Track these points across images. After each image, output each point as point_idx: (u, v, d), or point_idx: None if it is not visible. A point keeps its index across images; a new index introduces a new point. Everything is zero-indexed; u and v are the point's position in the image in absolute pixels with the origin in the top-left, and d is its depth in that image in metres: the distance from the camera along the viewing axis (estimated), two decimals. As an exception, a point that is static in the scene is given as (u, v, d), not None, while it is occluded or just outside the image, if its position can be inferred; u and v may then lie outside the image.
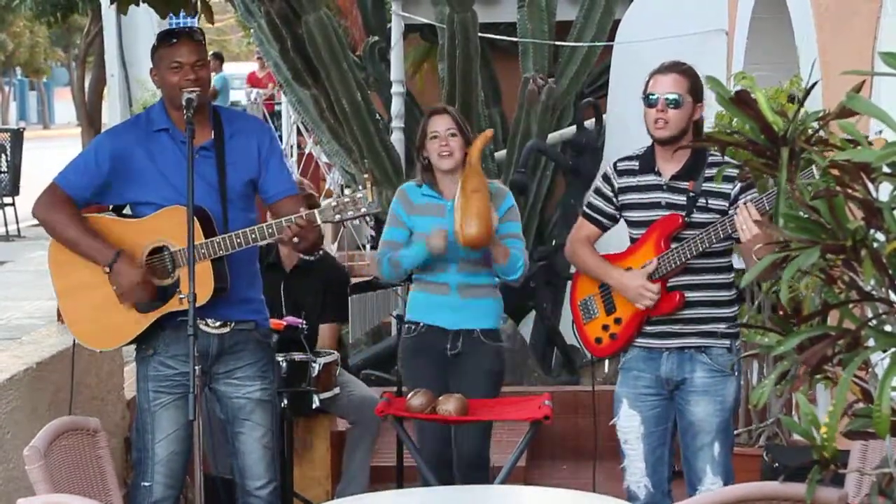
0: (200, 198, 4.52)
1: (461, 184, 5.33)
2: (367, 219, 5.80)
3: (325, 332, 6.45)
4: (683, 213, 4.64)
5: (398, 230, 5.50)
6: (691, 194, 4.63)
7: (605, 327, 4.82)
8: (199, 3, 5.61)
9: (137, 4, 5.57)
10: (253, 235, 4.56)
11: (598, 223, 4.86)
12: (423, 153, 5.51)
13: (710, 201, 4.62)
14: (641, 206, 4.73)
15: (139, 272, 4.62)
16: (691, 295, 4.67)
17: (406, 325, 5.60)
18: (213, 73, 19.35)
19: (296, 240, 4.53)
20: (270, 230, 4.55)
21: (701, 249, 4.59)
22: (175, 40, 4.69)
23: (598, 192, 4.85)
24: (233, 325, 4.75)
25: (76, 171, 4.78)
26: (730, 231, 4.53)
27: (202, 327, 4.58)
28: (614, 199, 4.79)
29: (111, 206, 4.83)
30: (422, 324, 5.52)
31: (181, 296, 4.52)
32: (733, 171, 4.50)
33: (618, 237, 4.98)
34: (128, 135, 4.80)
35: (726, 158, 4.55)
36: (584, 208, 4.92)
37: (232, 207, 4.70)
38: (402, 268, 5.49)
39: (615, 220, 4.85)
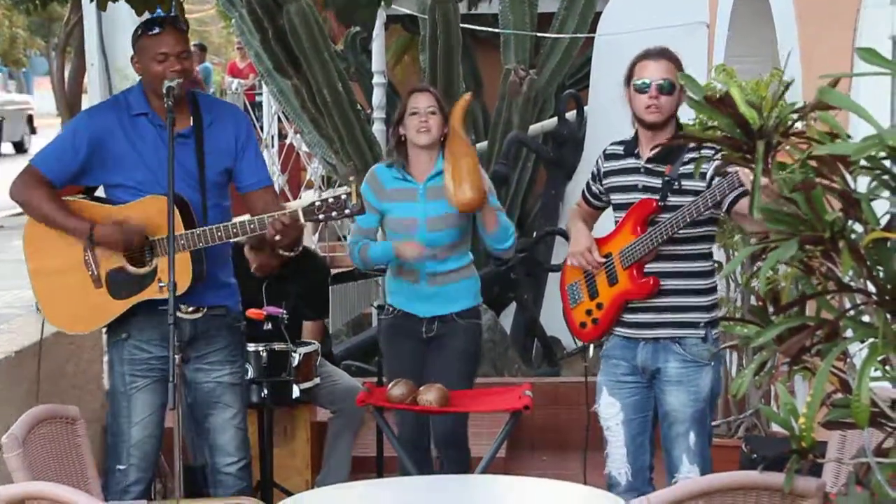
0: (178, 184, 4.51)
1: (447, 148, 5.35)
2: (351, 220, 5.79)
3: (308, 328, 6.44)
4: (658, 197, 4.66)
5: (369, 215, 5.47)
6: (667, 178, 4.66)
7: (589, 312, 4.86)
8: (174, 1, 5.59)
9: (115, 1, 5.56)
10: (234, 230, 4.57)
11: (588, 202, 4.96)
12: (400, 129, 5.52)
13: (684, 183, 4.62)
14: (621, 189, 4.78)
15: (116, 225, 4.62)
16: (667, 283, 4.69)
17: (386, 306, 5.63)
18: (196, 64, 19.33)
19: (277, 237, 4.52)
20: (252, 225, 4.55)
21: (670, 233, 4.60)
22: (159, 30, 4.67)
23: (591, 173, 4.94)
24: (205, 310, 4.76)
25: (54, 154, 4.77)
26: (695, 214, 4.54)
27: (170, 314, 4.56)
28: (599, 181, 4.86)
29: (84, 188, 4.82)
30: (398, 309, 5.54)
31: (161, 284, 4.52)
32: (709, 153, 4.50)
33: (602, 222, 5.02)
34: (106, 116, 4.77)
35: (702, 153, 4.54)
36: (584, 187, 5.02)
37: (209, 195, 4.71)
38: (370, 262, 5.57)
39: (602, 200, 4.89)
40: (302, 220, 4.53)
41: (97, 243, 4.65)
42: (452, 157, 5.31)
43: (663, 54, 4.71)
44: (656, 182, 4.68)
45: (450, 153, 5.33)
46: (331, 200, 4.53)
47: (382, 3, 5.49)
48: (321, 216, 4.55)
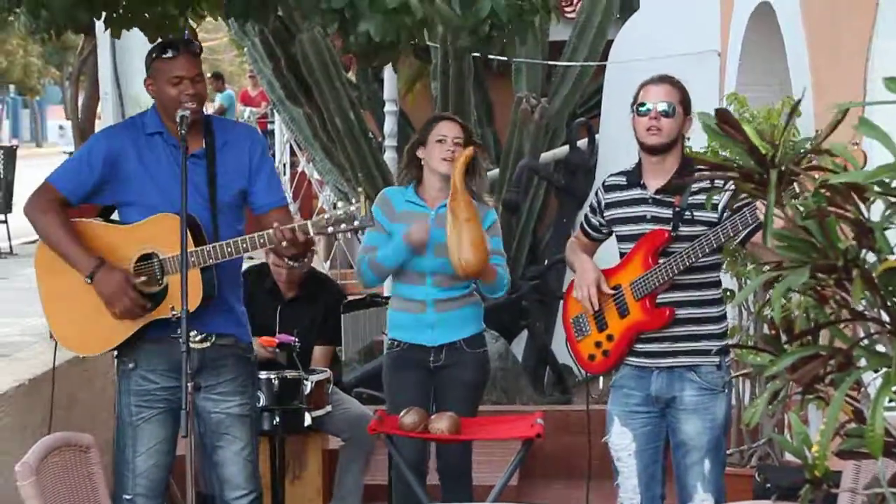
0: (190, 206, 4.51)
1: (451, 212, 5.31)
2: (360, 233, 5.79)
3: (318, 353, 6.44)
4: (669, 228, 4.66)
5: (380, 235, 5.48)
6: (677, 209, 4.65)
7: (598, 344, 4.83)
8: (187, 29, 5.65)
9: (129, 29, 5.60)
10: (244, 245, 4.55)
11: (587, 234, 4.95)
12: (419, 153, 5.52)
13: (696, 214, 4.63)
14: (628, 220, 4.76)
15: (121, 277, 4.60)
16: (681, 312, 4.68)
17: (389, 341, 5.61)
18: (217, 92, 19.45)
19: (284, 244, 4.50)
20: (262, 240, 4.54)
21: (687, 264, 4.60)
22: (174, 53, 4.68)
23: (590, 205, 4.91)
24: (213, 339, 4.75)
25: (69, 172, 4.78)
26: (714, 244, 4.55)
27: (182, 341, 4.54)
28: (600, 214, 4.85)
29: (101, 209, 4.82)
30: (404, 342, 5.53)
31: (174, 312, 4.50)
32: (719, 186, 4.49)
33: (608, 252, 5.01)
34: (122, 135, 4.79)
35: (714, 183, 4.53)
36: (581, 220, 4.99)
37: (221, 216, 4.70)
38: (382, 268, 5.50)
39: (602, 233, 4.89)
40: (311, 232, 4.51)
41: (94, 283, 4.63)
42: (456, 222, 5.28)
43: (665, 79, 4.74)
44: (666, 212, 4.68)
45: (452, 214, 5.30)
46: (340, 213, 4.52)
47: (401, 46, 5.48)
48: (330, 229, 4.53)
